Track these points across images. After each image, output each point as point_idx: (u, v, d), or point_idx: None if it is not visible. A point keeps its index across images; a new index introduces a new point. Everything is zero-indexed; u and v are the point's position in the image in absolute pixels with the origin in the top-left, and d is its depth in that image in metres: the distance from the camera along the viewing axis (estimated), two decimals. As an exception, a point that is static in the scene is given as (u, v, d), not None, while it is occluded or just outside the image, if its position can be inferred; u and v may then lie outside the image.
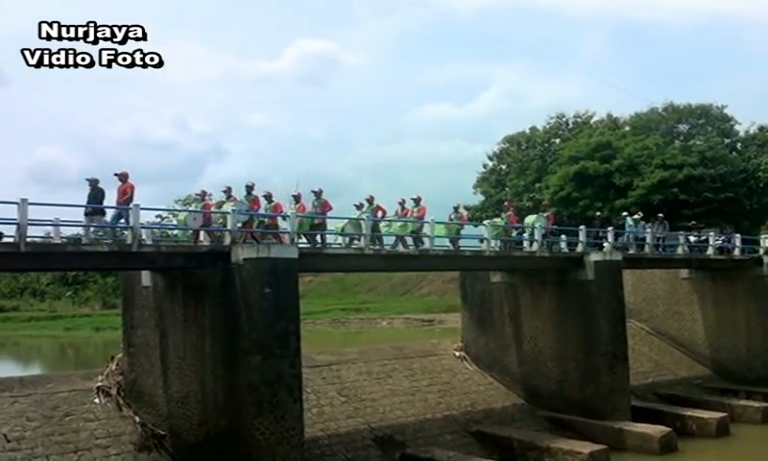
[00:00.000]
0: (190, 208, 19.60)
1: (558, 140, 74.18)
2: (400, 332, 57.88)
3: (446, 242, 24.57)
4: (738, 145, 67.39)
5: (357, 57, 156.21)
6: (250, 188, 21.21)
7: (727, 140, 66.96)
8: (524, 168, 73.11)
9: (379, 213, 22.99)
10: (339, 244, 22.43)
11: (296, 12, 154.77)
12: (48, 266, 26.08)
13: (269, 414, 17.61)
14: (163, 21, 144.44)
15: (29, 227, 16.23)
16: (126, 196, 18.17)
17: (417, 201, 24.02)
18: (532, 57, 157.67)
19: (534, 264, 26.60)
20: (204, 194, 22.14)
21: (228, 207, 19.83)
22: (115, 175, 18.55)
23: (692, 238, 33.41)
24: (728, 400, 28.92)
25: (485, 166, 79.48)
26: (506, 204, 26.29)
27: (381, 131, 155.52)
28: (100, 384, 20.86)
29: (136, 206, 17.78)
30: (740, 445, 25.13)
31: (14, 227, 15.98)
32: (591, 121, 74.80)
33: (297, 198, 22.20)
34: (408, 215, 23.92)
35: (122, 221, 18.18)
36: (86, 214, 17.71)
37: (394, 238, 23.52)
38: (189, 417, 18.98)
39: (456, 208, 24.73)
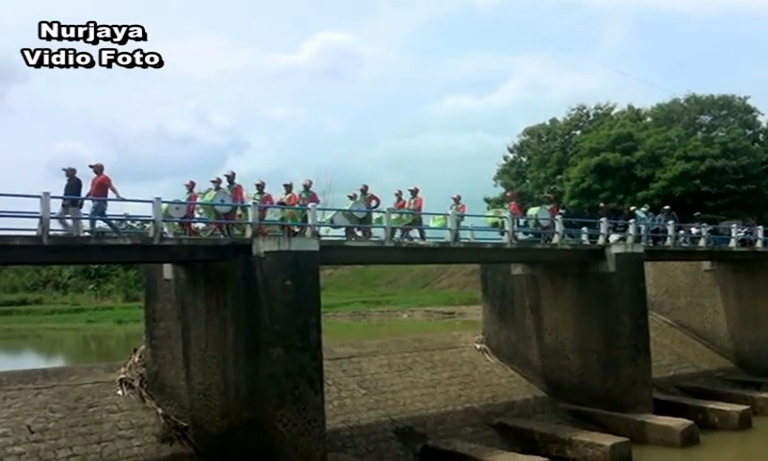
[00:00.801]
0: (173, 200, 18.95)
1: (579, 132, 73.70)
2: (421, 325, 57.96)
3: (446, 233, 23.85)
4: (761, 136, 66.78)
5: (377, 49, 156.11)
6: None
7: (749, 131, 66.40)
8: (545, 160, 72.82)
9: (373, 203, 22.69)
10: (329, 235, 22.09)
11: (316, 4, 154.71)
12: (70, 259, 26.28)
13: (291, 406, 17.68)
14: (184, 15, 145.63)
15: (51, 220, 16.37)
16: (103, 187, 17.83)
17: (413, 192, 23.70)
18: (553, 48, 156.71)
19: (555, 256, 26.54)
20: (192, 185, 21.25)
21: (208, 198, 19.70)
22: (90, 166, 18.16)
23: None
24: (750, 393, 28.73)
25: (505, 158, 79.27)
26: (509, 194, 25.95)
27: (401, 123, 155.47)
28: (123, 376, 21.01)
29: (158, 199, 17.85)
30: (762, 437, 25.00)
31: (37, 220, 16.11)
32: (612, 113, 74.28)
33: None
34: (405, 207, 23.75)
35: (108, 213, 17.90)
36: (64, 205, 17.33)
37: (397, 230, 23.12)
38: (211, 409, 19.08)
39: (456, 200, 24.41)
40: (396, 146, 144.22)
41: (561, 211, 27.78)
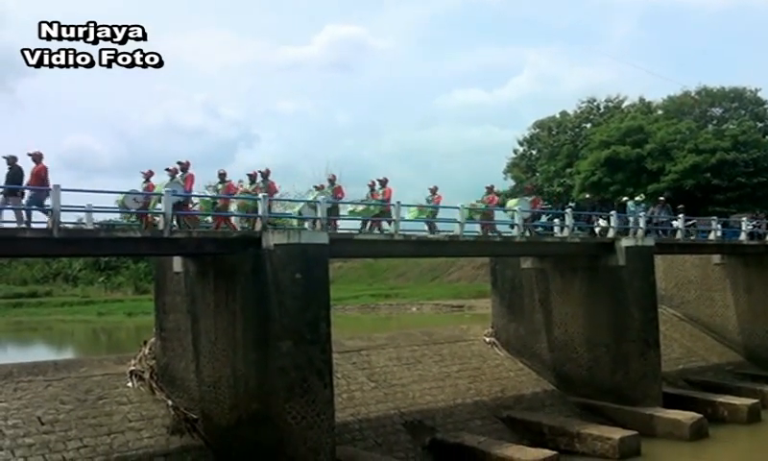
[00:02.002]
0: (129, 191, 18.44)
1: (589, 125, 73.63)
2: (430, 318, 58.01)
3: (422, 225, 23.52)
4: (772, 129, 66.67)
5: (386, 42, 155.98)
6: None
7: (760, 124, 66.15)
8: (555, 153, 72.74)
9: (339, 194, 22.33)
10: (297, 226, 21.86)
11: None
12: (81, 252, 26.28)
13: (300, 399, 17.70)
14: (194, 8, 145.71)
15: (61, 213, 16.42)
16: (40, 178, 17.29)
17: (382, 182, 23.17)
18: (563, 41, 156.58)
19: (564, 250, 26.52)
20: (149, 174, 20.17)
21: (159, 189, 18.96)
22: (29, 155, 17.62)
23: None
24: (759, 387, 28.70)
25: (515, 151, 79.26)
26: (488, 187, 25.33)
27: (410, 116, 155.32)
28: (133, 368, 21.08)
29: (168, 192, 17.92)
30: (772, 431, 24.99)
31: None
32: (623, 105, 74.20)
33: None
34: (375, 197, 23.32)
35: (48, 204, 16.85)
36: (2, 194, 17.03)
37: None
38: (221, 401, 19.13)
39: (433, 191, 23.97)
40: (406, 139, 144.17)
41: (544, 204, 27.32)
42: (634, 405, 24.51)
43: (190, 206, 20.29)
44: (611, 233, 26.63)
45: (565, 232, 26.16)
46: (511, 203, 26.17)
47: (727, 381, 29.94)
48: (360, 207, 22.83)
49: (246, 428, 18.39)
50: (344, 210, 22.60)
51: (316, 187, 21.43)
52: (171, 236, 17.78)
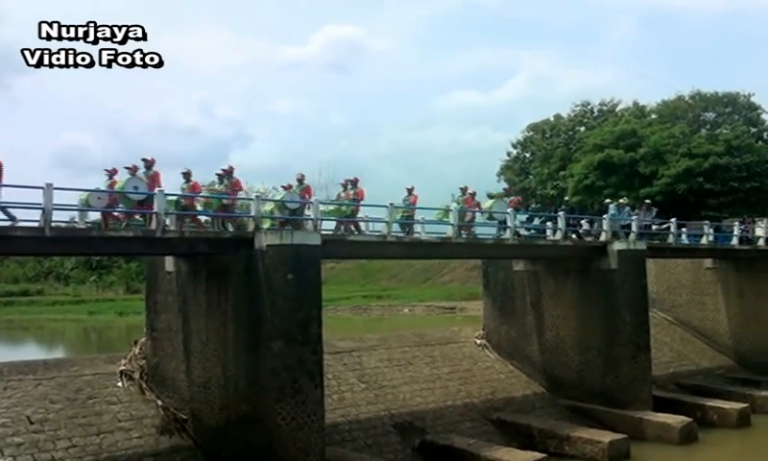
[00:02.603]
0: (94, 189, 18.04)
1: (583, 128, 73.75)
2: (422, 320, 58.03)
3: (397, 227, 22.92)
4: (765, 134, 66.74)
5: (384, 43, 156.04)
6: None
7: (753, 129, 66.26)
8: (548, 156, 72.78)
9: (307, 195, 21.55)
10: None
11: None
12: (73, 251, 26.30)
13: (290, 399, 17.72)
14: (191, 7, 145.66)
15: (54, 211, 16.39)
16: None
17: (354, 182, 22.65)
18: (559, 44, 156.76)
19: (557, 253, 26.56)
20: (113, 172, 19.45)
21: (119, 186, 18.56)
22: None
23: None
24: (749, 391, 28.74)
25: (509, 154, 79.31)
26: (462, 188, 24.91)
27: (406, 117, 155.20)
28: (123, 368, 21.04)
29: (160, 191, 17.92)
30: (761, 435, 25.01)
31: (40, 211, 16.13)
32: (617, 109, 74.33)
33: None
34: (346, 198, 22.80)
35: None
36: None
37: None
38: (211, 401, 19.12)
39: (410, 191, 23.49)
40: (401, 140, 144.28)
41: (522, 205, 26.98)
42: (624, 409, 24.55)
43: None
44: (603, 237, 26.65)
45: (558, 235, 26.19)
46: (488, 204, 25.79)
47: (717, 385, 29.99)
48: (331, 207, 22.61)
49: (236, 429, 18.38)
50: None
51: (284, 187, 21.06)
52: (163, 236, 17.77)
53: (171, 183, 20.08)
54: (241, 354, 18.37)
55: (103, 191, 18.57)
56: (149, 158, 19.71)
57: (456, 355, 27.46)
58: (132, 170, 18.93)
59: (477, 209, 24.77)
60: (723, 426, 25.16)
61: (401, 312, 64.72)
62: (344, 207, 22.28)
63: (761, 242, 33.57)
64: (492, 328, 29.07)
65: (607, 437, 21.65)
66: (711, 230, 32.75)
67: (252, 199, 20.24)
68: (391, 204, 22.13)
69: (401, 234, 22.83)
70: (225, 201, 19.94)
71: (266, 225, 19.36)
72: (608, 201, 31.93)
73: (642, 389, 25.36)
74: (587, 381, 25.91)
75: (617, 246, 26.05)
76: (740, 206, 53.97)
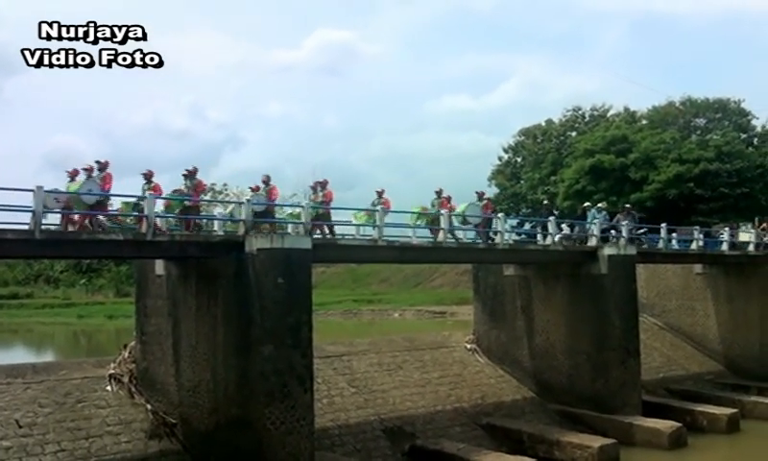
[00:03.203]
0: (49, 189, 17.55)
1: (574, 133, 73.94)
2: (412, 324, 57.99)
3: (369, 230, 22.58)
4: (755, 140, 67.08)
5: (376, 47, 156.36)
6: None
7: (744, 135, 66.61)
8: (539, 161, 72.96)
9: (273, 196, 21.27)
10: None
11: (316, 0, 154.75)
12: (62, 253, 26.16)
13: (279, 404, 17.69)
14: (185, 10, 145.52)
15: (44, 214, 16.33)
16: None
17: (323, 185, 22.42)
18: (551, 49, 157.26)
19: (547, 257, 26.56)
20: (74, 173, 18.84)
21: (75, 187, 18.00)
22: None
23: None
24: (739, 396, 28.81)
25: (500, 159, 79.42)
26: (437, 191, 24.57)
27: (398, 122, 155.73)
28: (112, 372, 20.95)
29: (151, 194, 17.87)
30: (751, 441, 25.05)
31: (29, 214, 16.08)
32: (608, 114, 74.58)
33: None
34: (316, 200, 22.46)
35: None
36: None
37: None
38: (200, 405, 19.07)
39: (380, 194, 23.04)
40: (393, 144, 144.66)
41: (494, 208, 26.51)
42: (613, 413, 24.55)
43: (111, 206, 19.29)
44: (593, 242, 26.67)
45: (548, 240, 26.21)
46: (460, 208, 25.05)
47: (706, 391, 29.99)
48: (297, 210, 22.36)
49: (225, 433, 18.34)
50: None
51: (251, 188, 20.88)
52: (154, 239, 17.72)
53: (163, 186, 19.90)
54: (231, 358, 18.33)
55: (61, 192, 17.89)
56: (102, 160, 19.07)
57: (446, 360, 27.43)
58: (89, 171, 18.50)
59: (451, 212, 24.13)
60: (713, 432, 25.15)
61: (392, 316, 64.70)
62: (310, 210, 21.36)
63: (751, 247, 33.64)
64: (483, 333, 29.06)
65: (596, 442, 21.65)
66: (701, 236, 32.82)
67: (232, 202, 20.08)
68: (382, 207, 22.06)
69: (392, 239, 22.77)
70: (187, 202, 19.65)
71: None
72: (587, 204, 31.97)
73: (632, 394, 25.38)
74: (576, 386, 25.91)
75: (608, 251, 26.07)
76: (730, 212, 54.20)
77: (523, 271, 27.63)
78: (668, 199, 57.86)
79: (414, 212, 23.27)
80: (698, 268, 34.70)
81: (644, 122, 70.59)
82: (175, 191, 19.76)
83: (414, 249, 23.57)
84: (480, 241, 25.01)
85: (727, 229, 34.54)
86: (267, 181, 21.07)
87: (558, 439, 22.12)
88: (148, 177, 19.71)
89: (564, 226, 27.91)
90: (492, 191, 75.51)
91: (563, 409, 25.68)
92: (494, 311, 28.71)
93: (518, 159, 78.05)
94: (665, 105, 71.28)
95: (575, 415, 25.15)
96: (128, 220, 19.59)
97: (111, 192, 18.70)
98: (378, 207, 22.24)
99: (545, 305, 26.95)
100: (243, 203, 19.82)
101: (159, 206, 19.02)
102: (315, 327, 19.03)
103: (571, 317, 26.25)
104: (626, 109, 73.89)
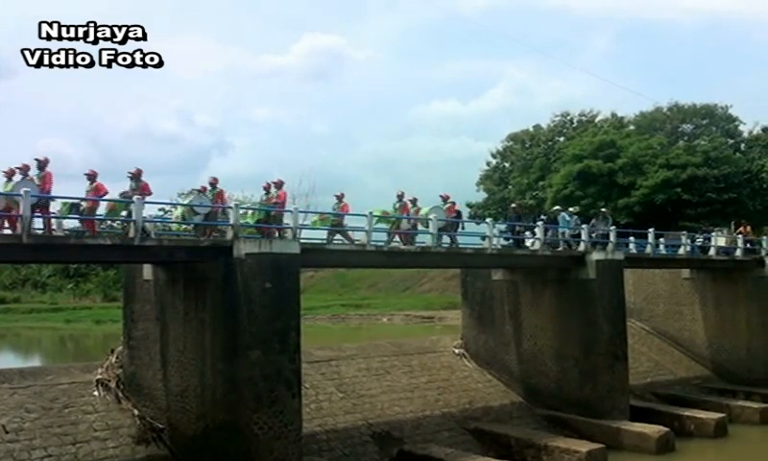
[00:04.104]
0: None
1: (562, 139, 74.18)
2: (400, 329, 57.99)
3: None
4: (742, 146, 67.52)
5: (365, 52, 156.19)
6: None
7: (731, 141, 67.06)
8: (528, 166, 73.15)
9: (219, 199, 20.67)
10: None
11: (306, 6, 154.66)
12: (50, 258, 26.13)
13: (267, 409, 17.67)
14: (171, 15, 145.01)
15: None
16: None
17: (277, 185, 21.43)
18: (539, 55, 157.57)
19: (535, 262, 26.60)
20: (10, 173, 17.66)
21: (9, 188, 17.25)
22: None
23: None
24: (726, 401, 28.90)
25: (488, 164, 79.62)
26: (398, 194, 24.24)
27: (386, 126, 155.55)
28: (99, 377, 20.87)
29: (139, 199, 17.81)
30: (738, 445, 25.09)
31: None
32: (596, 120, 74.85)
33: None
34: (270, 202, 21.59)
35: None
36: None
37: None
38: (188, 410, 19.03)
39: (339, 198, 22.82)
40: (381, 149, 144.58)
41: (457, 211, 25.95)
42: (601, 418, 24.58)
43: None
44: (581, 247, 26.73)
45: (536, 245, 26.24)
46: (424, 211, 24.41)
47: (694, 395, 30.11)
48: (249, 213, 22.09)
49: (212, 438, 18.29)
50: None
51: (198, 190, 20.29)
52: (142, 243, 17.67)
53: (156, 190, 19.76)
54: (218, 363, 18.30)
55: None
56: (41, 158, 18.14)
57: (434, 365, 27.43)
58: (24, 170, 17.60)
59: (414, 216, 23.81)
60: (700, 436, 25.20)
61: (380, 321, 64.64)
62: (255, 212, 21.30)
63: (738, 252, 33.76)
64: (471, 338, 29.07)
65: (584, 447, 21.66)
66: (689, 241, 32.93)
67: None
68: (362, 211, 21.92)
69: (380, 243, 22.72)
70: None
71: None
72: (557, 207, 31.92)
73: (620, 399, 25.43)
74: (564, 391, 25.95)
75: (595, 256, 26.12)
76: (718, 217, 54.42)
77: (511, 276, 27.66)
78: (656, 204, 58.17)
79: (374, 216, 22.86)
80: (685, 273, 34.81)
81: (632, 128, 71.01)
82: (122, 193, 19.13)
83: (402, 254, 23.56)
84: (446, 245, 24.70)
85: (714, 234, 34.62)
86: (214, 183, 20.65)
87: (546, 444, 22.12)
88: (91, 177, 18.64)
89: (537, 231, 27.79)
90: (480, 196, 75.88)
91: (550, 414, 25.69)
92: (483, 316, 28.73)
93: (507, 165, 78.26)
94: (653, 110, 71.79)
95: (563, 420, 25.16)
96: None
97: (53, 194, 17.78)
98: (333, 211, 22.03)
99: (533, 310, 26.98)
100: (193, 205, 19.33)
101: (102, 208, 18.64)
102: (303, 332, 19.04)
103: (559, 322, 26.28)
104: (614, 115, 74.29)
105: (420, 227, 24.10)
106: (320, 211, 22.47)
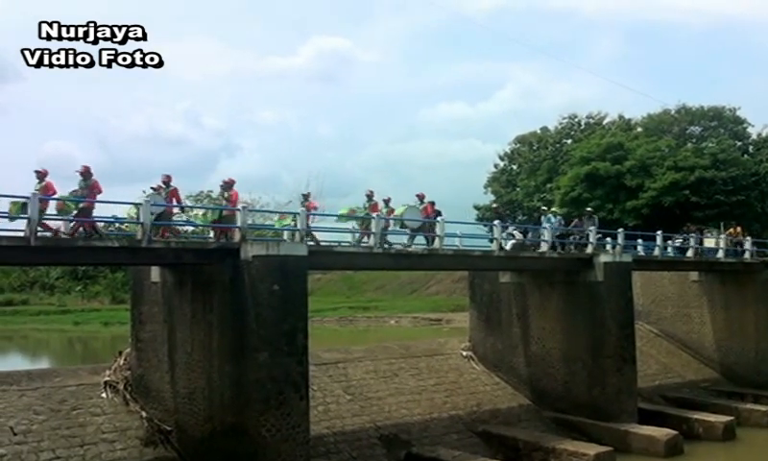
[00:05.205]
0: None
1: (570, 141, 74.05)
2: (408, 331, 57.96)
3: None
4: (750, 148, 67.22)
5: (372, 54, 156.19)
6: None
7: (739, 143, 66.82)
8: (535, 169, 73.06)
9: (173, 198, 19.91)
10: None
11: (313, 9, 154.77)
12: (58, 260, 26.16)
13: (275, 411, 17.66)
14: (182, 17, 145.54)
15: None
16: None
17: (229, 185, 20.48)
18: (546, 57, 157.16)
19: (543, 265, 26.56)
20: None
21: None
22: None
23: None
24: (735, 404, 28.84)
25: (496, 166, 79.54)
26: (368, 194, 23.62)
27: (393, 129, 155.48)
28: (107, 379, 20.91)
29: (147, 201, 17.81)
30: (747, 448, 25.06)
31: (25, 221, 16.05)
32: (604, 122, 74.71)
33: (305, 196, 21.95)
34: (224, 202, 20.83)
35: None
36: None
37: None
38: (195, 413, 19.03)
39: (306, 196, 22.07)
40: (389, 151, 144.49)
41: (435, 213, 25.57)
42: (609, 421, 24.53)
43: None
44: (589, 249, 26.67)
45: (544, 247, 26.19)
46: (398, 211, 23.43)
47: (702, 398, 30.04)
48: (200, 213, 21.84)
49: (220, 440, 18.29)
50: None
51: (153, 188, 19.49)
52: (149, 246, 17.68)
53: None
54: (226, 365, 18.29)
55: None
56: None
57: (442, 367, 27.42)
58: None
59: (387, 217, 22.96)
60: (709, 439, 25.15)
61: (387, 323, 64.68)
62: (209, 214, 20.96)
63: (747, 255, 33.68)
64: (479, 340, 29.04)
65: (592, 450, 21.63)
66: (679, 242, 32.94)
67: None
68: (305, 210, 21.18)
69: (386, 246, 22.64)
70: (82, 204, 17.86)
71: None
72: (543, 208, 31.88)
73: (628, 401, 25.37)
74: (572, 393, 25.90)
75: (603, 258, 26.08)
76: (726, 219, 54.21)
77: (519, 278, 27.63)
78: (664, 206, 57.94)
79: (339, 215, 22.73)
80: (694, 275, 34.73)
81: (640, 130, 70.77)
82: (72, 192, 18.25)
83: (409, 256, 23.55)
84: (422, 245, 24.14)
85: (714, 233, 34.62)
86: (168, 181, 19.79)
87: (554, 446, 22.10)
88: (41, 175, 17.66)
89: (516, 232, 27.77)
90: (488, 198, 75.78)
91: (558, 416, 25.65)
92: (490, 318, 28.70)
93: (514, 167, 78.21)
94: (661, 112, 71.53)
95: (571, 422, 25.12)
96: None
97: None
98: (300, 210, 20.93)
99: (541, 313, 26.94)
100: (141, 204, 18.13)
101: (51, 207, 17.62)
102: (310, 334, 19.01)
103: (567, 324, 26.24)
104: (621, 117, 74.12)
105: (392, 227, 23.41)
106: (282, 211, 21.73)
